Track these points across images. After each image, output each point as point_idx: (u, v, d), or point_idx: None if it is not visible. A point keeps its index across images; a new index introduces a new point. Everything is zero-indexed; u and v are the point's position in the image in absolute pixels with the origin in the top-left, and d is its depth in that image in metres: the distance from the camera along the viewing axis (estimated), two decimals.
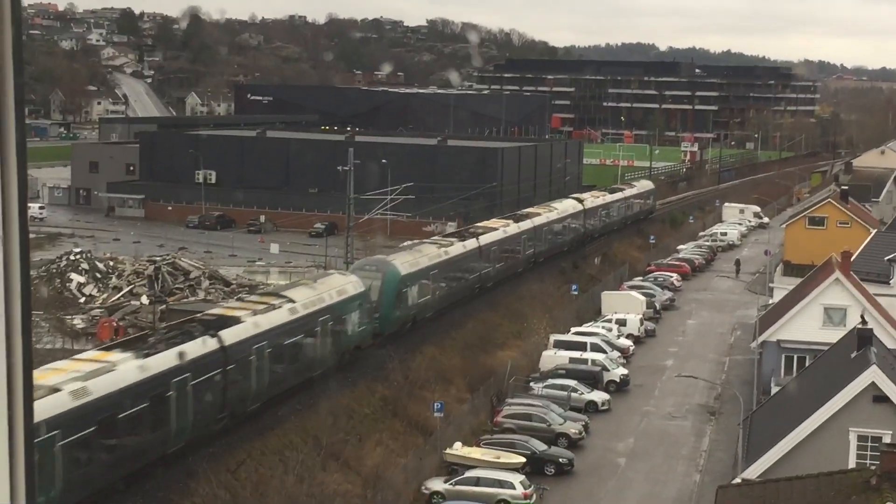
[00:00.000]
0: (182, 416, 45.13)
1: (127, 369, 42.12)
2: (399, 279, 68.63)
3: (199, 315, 54.12)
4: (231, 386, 48.88)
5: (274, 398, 53.49)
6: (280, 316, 53.75)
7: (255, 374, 50.86)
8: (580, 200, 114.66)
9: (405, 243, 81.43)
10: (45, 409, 36.07)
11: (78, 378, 39.49)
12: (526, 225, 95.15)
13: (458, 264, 79.11)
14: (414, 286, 70.56)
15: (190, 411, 45.66)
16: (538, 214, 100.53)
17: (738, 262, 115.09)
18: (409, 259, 72.02)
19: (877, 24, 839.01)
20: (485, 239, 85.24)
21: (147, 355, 43.87)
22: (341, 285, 62.13)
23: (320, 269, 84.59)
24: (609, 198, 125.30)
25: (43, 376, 38.70)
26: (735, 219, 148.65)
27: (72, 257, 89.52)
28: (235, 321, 50.53)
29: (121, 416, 40.96)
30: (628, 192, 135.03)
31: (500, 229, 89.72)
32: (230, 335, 49.09)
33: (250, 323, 51.17)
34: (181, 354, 45.38)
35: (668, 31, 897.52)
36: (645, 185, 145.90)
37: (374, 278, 66.73)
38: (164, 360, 44.31)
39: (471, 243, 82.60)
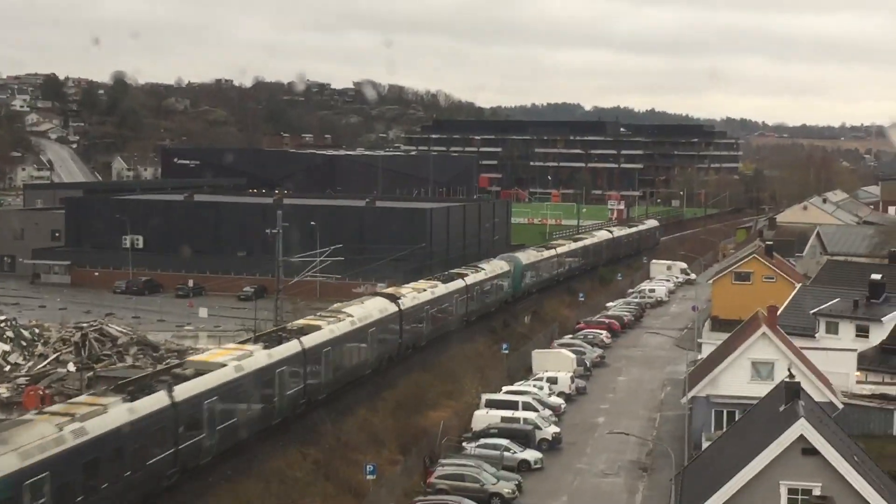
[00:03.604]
0: (438, 321, 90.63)
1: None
2: (522, 266, 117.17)
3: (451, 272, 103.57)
4: (471, 302, 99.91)
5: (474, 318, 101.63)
6: (481, 276, 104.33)
7: (471, 302, 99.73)
8: (610, 231, 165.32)
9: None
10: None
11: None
12: (578, 245, 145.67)
13: (546, 263, 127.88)
14: (528, 272, 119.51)
15: (440, 320, 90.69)
16: (584, 239, 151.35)
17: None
18: (525, 256, 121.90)
19: (789, 82, 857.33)
20: (559, 250, 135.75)
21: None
22: (501, 265, 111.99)
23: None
24: (629, 231, 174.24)
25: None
26: (663, 275, 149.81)
27: None
28: (465, 276, 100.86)
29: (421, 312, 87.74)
30: (641, 227, 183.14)
31: (565, 245, 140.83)
32: (469, 279, 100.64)
33: (473, 276, 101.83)
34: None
35: (593, 91, 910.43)
36: (651, 223, 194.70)
37: (509, 265, 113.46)
38: (443, 288, 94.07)
39: (552, 251, 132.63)
